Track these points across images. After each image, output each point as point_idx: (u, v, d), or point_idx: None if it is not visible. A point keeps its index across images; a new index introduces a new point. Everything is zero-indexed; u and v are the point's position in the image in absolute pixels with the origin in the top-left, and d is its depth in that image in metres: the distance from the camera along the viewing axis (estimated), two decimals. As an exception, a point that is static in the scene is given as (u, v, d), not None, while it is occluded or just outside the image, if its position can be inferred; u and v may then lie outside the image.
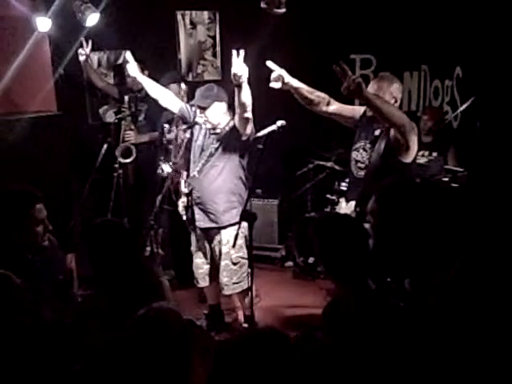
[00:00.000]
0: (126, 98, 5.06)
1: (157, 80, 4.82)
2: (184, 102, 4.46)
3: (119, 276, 2.62)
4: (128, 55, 4.34)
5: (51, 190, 3.57)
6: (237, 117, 3.97)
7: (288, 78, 3.72)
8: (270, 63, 3.67)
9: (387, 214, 2.51)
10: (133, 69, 4.28)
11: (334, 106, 3.81)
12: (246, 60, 3.72)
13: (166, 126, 4.90)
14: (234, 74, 3.64)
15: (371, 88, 3.67)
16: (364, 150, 3.75)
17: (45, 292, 2.74)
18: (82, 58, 5.17)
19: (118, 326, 2.37)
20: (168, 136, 4.86)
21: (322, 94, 3.82)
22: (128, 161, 5.04)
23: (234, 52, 3.61)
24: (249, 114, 3.89)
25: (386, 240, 2.53)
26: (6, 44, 4.73)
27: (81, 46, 5.12)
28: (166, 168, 4.56)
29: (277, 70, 3.69)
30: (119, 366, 1.86)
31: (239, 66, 3.61)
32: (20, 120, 4.33)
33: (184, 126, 4.46)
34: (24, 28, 4.78)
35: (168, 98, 4.35)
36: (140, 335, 1.93)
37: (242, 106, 3.82)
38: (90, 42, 5.09)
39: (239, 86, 3.70)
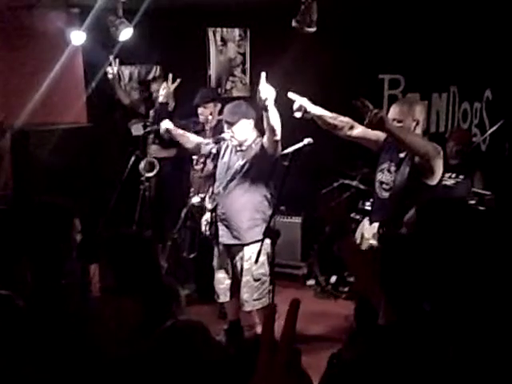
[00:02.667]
0: (151, 112, 5.12)
1: (192, 98, 4.89)
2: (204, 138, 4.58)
3: (138, 286, 2.64)
4: (166, 123, 4.55)
5: (79, 201, 3.63)
6: (266, 139, 3.98)
7: (310, 107, 3.73)
8: (291, 94, 3.69)
9: (424, 228, 2.49)
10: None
11: (358, 130, 3.80)
12: (274, 77, 3.75)
13: (195, 157, 4.91)
14: (259, 98, 3.65)
15: (393, 111, 3.67)
16: (389, 171, 3.74)
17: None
18: (110, 77, 5.27)
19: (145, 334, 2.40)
20: (196, 167, 4.86)
21: (346, 119, 3.81)
22: (151, 175, 5.09)
23: (263, 75, 3.63)
24: (278, 137, 3.89)
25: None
26: (41, 56, 4.85)
27: (109, 64, 5.21)
28: (196, 200, 4.61)
29: (298, 100, 3.71)
30: (147, 378, 1.87)
31: (264, 89, 3.62)
32: (53, 131, 4.42)
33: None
34: (59, 41, 4.89)
35: (193, 143, 4.52)
36: (167, 349, 1.95)
37: (271, 128, 3.83)
38: (117, 61, 5.18)
39: (266, 109, 3.71)
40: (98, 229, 4.36)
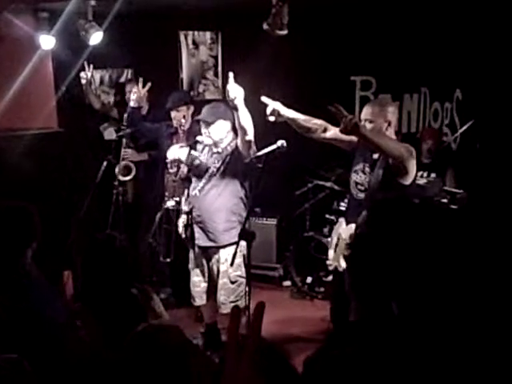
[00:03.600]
0: (125, 115, 5.09)
1: (165, 101, 4.87)
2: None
3: (108, 293, 2.61)
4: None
5: (51, 206, 3.58)
6: (239, 140, 3.99)
7: (283, 111, 3.75)
8: (264, 98, 3.71)
9: (376, 228, 2.51)
10: None
11: (331, 132, 3.81)
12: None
13: (169, 160, 4.87)
14: (229, 98, 3.66)
15: (365, 112, 3.71)
16: (363, 172, 3.78)
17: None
18: (83, 81, 5.23)
19: (105, 343, 2.37)
20: (170, 171, 4.81)
21: (319, 121, 3.83)
22: (127, 179, 5.06)
23: (231, 75, 3.64)
24: (250, 137, 3.90)
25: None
26: (9, 61, 4.77)
27: (83, 68, 5.17)
28: (171, 203, 4.58)
29: (271, 104, 3.72)
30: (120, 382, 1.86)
31: (233, 89, 3.63)
32: (22, 136, 4.36)
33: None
34: (28, 45, 4.83)
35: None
36: (139, 352, 1.93)
37: (242, 129, 3.84)
38: (91, 66, 5.15)
39: (236, 109, 3.72)
40: (71, 234, 4.32)
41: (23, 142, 4.30)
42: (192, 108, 4.94)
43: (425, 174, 4.94)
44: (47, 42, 4.81)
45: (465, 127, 4.96)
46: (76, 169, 4.99)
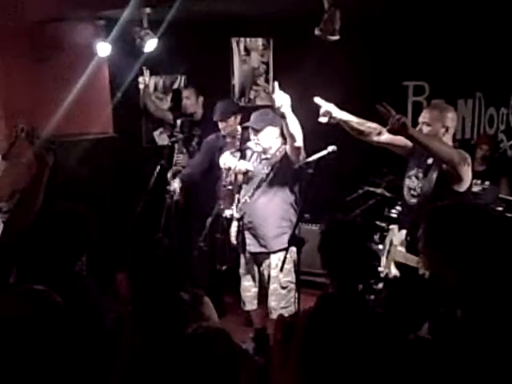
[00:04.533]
0: (179, 121, 5.16)
1: (213, 107, 4.91)
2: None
3: (155, 296, 2.65)
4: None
5: (106, 209, 3.67)
6: (288, 146, 3.99)
7: (336, 113, 3.72)
8: (317, 99, 3.70)
9: (436, 239, 2.46)
10: None
11: (386, 136, 3.75)
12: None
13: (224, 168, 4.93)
14: (276, 106, 3.66)
15: (424, 115, 3.66)
16: (417, 177, 3.73)
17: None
18: (141, 86, 5.34)
19: (151, 341, 2.41)
20: (226, 180, 4.83)
21: (373, 125, 3.79)
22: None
23: (270, 86, 3.65)
24: (299, 143, 3.89)
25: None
26: (68, 68, 4.92)
27: (141, 73, 5.27)
28: (229, 212, 4.52)
29: (324, 106, 3.71)
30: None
31: (279, 97, 3.63)
32: (79, 141, 4.49)
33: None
34: (85, 53, 4.97)
35: None
36: (188, 355, 1.96)
37: (291, 136, 3.84)
38: (148, 71, 5.26)
39: (283, 117, 3.71)
40: (125, 237, 4.40)
41: (80, 147, 4.42)
42: (239, 116, 4.95)
43: (479, 182, 4.84)
44: (104, 49, 4.95)
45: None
46: (130, 173, 5.10)
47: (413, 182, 3.75)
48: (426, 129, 3.60)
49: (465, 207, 2.64)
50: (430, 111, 3.68)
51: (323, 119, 3.73)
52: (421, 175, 3.70)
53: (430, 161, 3.66)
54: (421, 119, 3.66)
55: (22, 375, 1.91)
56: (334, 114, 3.72)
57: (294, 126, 3.79)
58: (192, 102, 5.37)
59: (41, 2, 4.55)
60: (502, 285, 2.26)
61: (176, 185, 4.94)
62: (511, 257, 2.44)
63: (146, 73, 5.31)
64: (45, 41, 4.87)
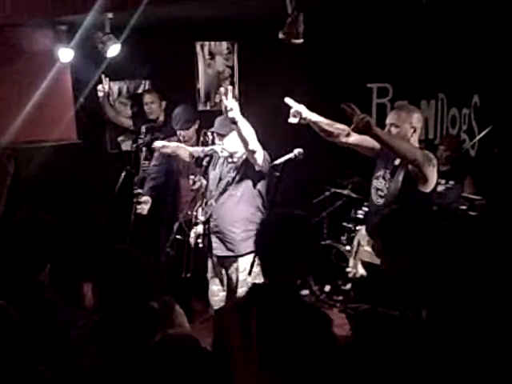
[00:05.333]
0: (143, 128, 5.11)
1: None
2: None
3: (123, 305, 2.61)
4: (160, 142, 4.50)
5: (69, 217, 3.62)
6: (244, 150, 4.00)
7: (306, 113, 3.74)
8: (288, 100, 3.71)
9: (389, 241, 2.51)
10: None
11: (355, 137, 3.80)
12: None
13: (192, 177, 4.90)
14: (225, 112, 3.65)
15: (391, 116, 3.71)
16: (384, 178, 3.78)
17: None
18: (100, 94, 5.29)
19: (119, 352, 2.38)
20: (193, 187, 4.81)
21: (342, 126, 3.83)
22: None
23: (222, 90, 3.64)
24: (252, 147, 3.86)
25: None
26: (29, 74, 4.85)
27: (100, 81, 5.23)
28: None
29: (295, 106, 3.72)
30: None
31: (228, 103, 3.61)
32: (41, 148, 4.42)
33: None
34: (46, 58, 4.90)
35: (188, 153, 4.53)
36: (155, 362, 1.94)
37: (243, 140, 3.82)
38: (107, 79, 5.22)
39: (234, 122, 3.70)
40: (90, 246, 4.34)
41: (42, 154, 4.35)
42: (198, 122, 4.93)
43: (443, 181, 4.91)
44: (66, 54, 4.89)
45: (483, 133, 4.93)
46: (95, 180, 5.04)
47: (380, 183, 3.79)
48: (394, 130, 3.66)
49: (418, 211, 2.71)
50: (398, 113, 3.73)
51: (293, 120, 3.74)
52: (388, 176, 3.75)
53: (397, 162, 3.71)
54: (388, 121, 3.71)
55: None
56: (304, 115, 3.73)
57: (246, 130, 3.77)
58: (156, 107, 5.35)
59: (0, 7, 4.46)
60: (461, 284, 2.31)
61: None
62: (468, 253, 2.50)
63: (105, 80, 5.27)
64: (5, 46, 4.79)
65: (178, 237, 4.58)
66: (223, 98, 3.61)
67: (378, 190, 3.81)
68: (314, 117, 3.78)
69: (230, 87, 3.66)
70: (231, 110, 3.62)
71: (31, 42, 4.89)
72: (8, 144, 4.31)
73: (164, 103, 5.36)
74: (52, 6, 4.37)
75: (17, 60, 4.84)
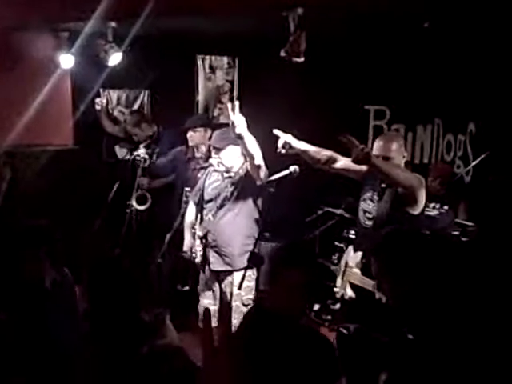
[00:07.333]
0: (142, 146, 5.17)
1: (180, 123, 4.93)
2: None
3: (112, 315, 2.60)
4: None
5: (63, 222, 3.60)
6: (248, 165, 4.00)
7: (294, 143, 3.74)
8: (276, 131, 3.71)
9: (386, 262, 2.52)
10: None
11: (341, 163, 3.82)
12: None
13: (187, 189, 4.93)
14: (232, 127, 3.66)
15: (379, 150, 3.68)
16: (371, 200, 3.79)
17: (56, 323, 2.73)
18: (98, 108, 5.31)
19: (108, 363, 2.37)
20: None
21: (329, 152, 3.83)
22: (143, 208, 5.09)
23: (229, 105, 3.64)
24: (258, 161, 3.88)
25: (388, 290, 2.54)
26: (29, 79, 4.85)
27: (98, 95, 5.25)
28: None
29: (283, 137, 3.72)
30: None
31: (235, 118, 3.63)
32: (38, 153, 4.42)
33: None
34: (47, 64, 4.91)
35: None
36: (144, 373, 1.93)
37: (250, 155, 3.83)
38: (106, 92, 5.25)
39: (240, 137, 3.71)
40: (82, 251, 4.32)
41: (40, 159, 4.35)
42: (209, 132, 4.95)
43: (437, 206, 4.93)
44: (66, 61, 4.90)
45: (478, 160, 4.96)
46: (89, 187, 5.03)
47: (368, 205, 3.80)
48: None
49: (416, 233, 2.72)
50: (387, 145, 3.70)
51: (282, 150, 3.74)
52: (376, 198, 3.76)
53: (384, 184, 3.72)
54: (378, 153, 3.66)
55: None
56: (292, 145, 3.73)
57: (252, 145, 3.78)
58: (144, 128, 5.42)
59: (2, 12, 4.48)
60: (449, 309, 2.31)
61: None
62: (458, 279, 2.51)
63: (103, 94, 5.30)
64: (6, 51, 4.79)
65: (183, 254, 4.56)
66: (230, 113, 3.62)
67: (365, 212, 3.82)
68: (302, 146, 3.77)
69: (236, 102, 3.67)
70: (238, 125, 3.63)
71: (33, 46, 4.89)
72: (6, 149, 4.31)
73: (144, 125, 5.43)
74: (54, 13, 4.39)
75: (17, 64, 4.84)
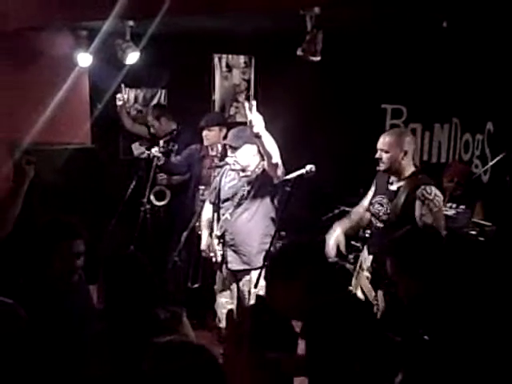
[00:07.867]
0: (161, 142, 5.20)
1: (196, 121, 4.95)
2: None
3: (127, 313, 2.61)
4: None
5: (81, 220, 3.63)
6: (265, 163, 4.00)
7: (341, 237, 3.91)
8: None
9: (401, 266, 2.52)
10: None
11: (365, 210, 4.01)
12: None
13: (201, 187, 4.97)
14: (250, 126, 3.66)
15: (382, 142, 3.74)
16: (380, 204, 3.79)
17: (72, 324, 2.76)
18: (119, 103, 5.33)
19: (123, 359, 2.39)
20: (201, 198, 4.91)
21: (358, 214, 4.05)
22: (161, 203, 5.13)
23: (246, 104, 3.65)
24: (276, 160, 3.88)
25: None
26: (48, 77, 4.89)
27: (119, 90, 5.28)
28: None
29: (331, 243, 3.91)
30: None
31: (253, 117, 3.63)
32: (57, 151, 4.45)
33: None
34: (66, 63, 4.95)
35: None
36: (159, 365, 1.92)
37: (267, 154, 3.83)
38: (127, 89, 5.28)
39: (258, 136, 3.71)
40: (98, 249, 4.35)
41: (58, 157, 4.39)
42: (224, 130, 4.97)
43: (454, 205, 4.90)
44: (85, 59, 4.93)
45: (495, 160, 4.92)
46: (106, 185, 5.06)
47: (377, 209, 3.81)
48: (384, 156, 3.68)
49: (433, 232, 2.71)
50: (388, 137, 3.74)
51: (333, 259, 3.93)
52: (385, 201, 3.75)
53: (393, 187, 3.72)
54: (379, 146, 3.73)
55: None
56: (342, 243, 3.89)
57: (269, 144, 3.78)
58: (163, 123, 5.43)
59: (22, 10, 4.52)
60: (467, 308, 2.30)
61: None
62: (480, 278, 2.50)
63: (125, 90, 5.31)
64: (25, 49, 4.84)
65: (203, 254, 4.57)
66: (248, 112, 3.62)
67: (374, 215, 3.84)
68: (344, 231, 3.95)
69: (254, 101, 3.67)
70: (255, 124, 3.63)
71: (51, 45, 4.93)
72: (27, 149, 4.35)
73: (164, 119, 5.46)
74: (73, 11, 4.41)
75: (36, 63, 4.88)
